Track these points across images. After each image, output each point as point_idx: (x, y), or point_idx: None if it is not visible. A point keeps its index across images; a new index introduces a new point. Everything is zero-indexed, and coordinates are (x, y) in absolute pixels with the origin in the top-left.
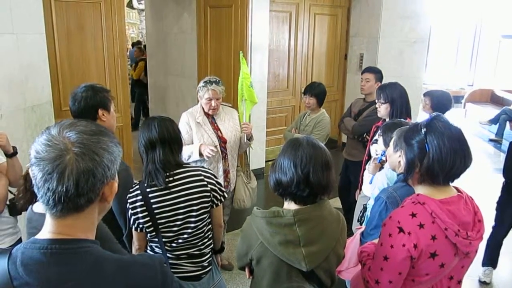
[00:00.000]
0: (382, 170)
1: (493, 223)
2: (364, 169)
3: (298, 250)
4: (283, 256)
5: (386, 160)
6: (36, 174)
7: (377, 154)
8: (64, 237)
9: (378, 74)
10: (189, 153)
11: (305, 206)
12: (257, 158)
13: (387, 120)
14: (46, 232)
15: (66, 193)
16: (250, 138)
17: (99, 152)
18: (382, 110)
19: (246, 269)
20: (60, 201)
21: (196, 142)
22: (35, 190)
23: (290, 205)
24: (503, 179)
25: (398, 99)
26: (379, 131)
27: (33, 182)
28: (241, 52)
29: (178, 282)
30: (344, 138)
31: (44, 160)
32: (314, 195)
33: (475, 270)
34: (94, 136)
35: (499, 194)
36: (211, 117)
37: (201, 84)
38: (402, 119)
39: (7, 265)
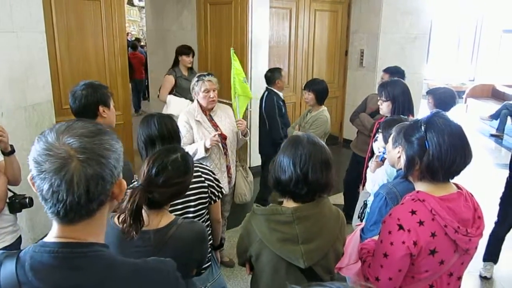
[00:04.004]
0: (382, 166)
1: (494, 218)
2: (367, 166)
3: (297, 247)
4: (282, 253)
5: None
6: (41, 186)
7: (379, 152)
8: (74, 240)
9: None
10: (193, 151)
11: (304, 204)
12: (257, 155)
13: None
14: (52, 237)
15: (77, 201)
16: (245, 134)
17: (104, 153)
18: (384, 107)
19: (246, 265)
20: (72, 210)
21: (198, 141)
22: (42, 202)
23: (289, 203)
24: (504, 174)
25: (400, 97)
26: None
27: (38, 194)
28: (232, 48)
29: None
30: (345, 135)
31: (49, 172)
32: (312, 193)
33: (476, 265)
34: (96, 138)
35: (500, 189)
36: (209, 114)
37: (195, 80)
38: (402, 116)
39: (15, 269)
